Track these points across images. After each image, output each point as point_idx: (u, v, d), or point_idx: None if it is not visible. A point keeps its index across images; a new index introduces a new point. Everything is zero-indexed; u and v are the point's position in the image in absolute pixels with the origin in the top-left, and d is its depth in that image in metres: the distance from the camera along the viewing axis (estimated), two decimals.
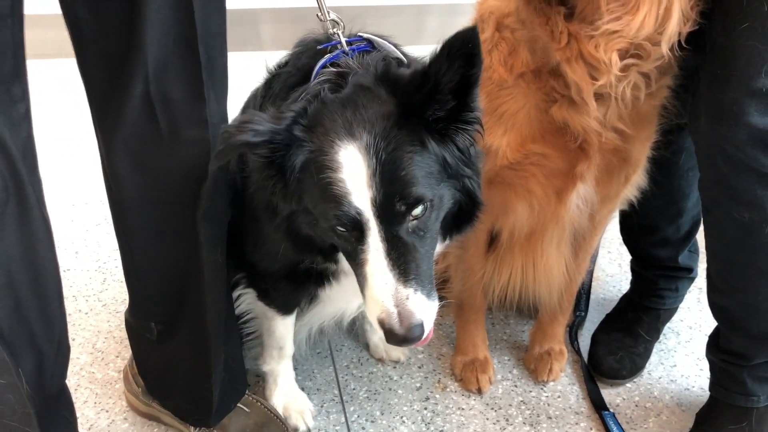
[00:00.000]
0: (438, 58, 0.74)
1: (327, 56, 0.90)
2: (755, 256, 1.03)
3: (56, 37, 0.86)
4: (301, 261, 0.97)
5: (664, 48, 0.94)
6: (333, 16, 0.93)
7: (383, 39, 0.95)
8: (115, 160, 0.85)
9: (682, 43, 0.96)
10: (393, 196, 0.74)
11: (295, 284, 1.04)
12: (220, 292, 1.01)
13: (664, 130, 1.12)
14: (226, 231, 0.98)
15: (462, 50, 0.74)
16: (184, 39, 0.78)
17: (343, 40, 0.91)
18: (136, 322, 1.06)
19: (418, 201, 0.76)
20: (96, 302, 1.46)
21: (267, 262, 1.02)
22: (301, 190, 0.79)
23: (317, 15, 0.92)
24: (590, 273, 1.45)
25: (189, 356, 1.03)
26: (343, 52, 0.90)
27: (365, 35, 0.94)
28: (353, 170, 0.74)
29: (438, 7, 2.85)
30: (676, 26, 0.92)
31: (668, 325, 1.43)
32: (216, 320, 1.00)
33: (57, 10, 0.78)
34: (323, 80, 0.84)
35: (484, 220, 1.05)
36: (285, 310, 1.11)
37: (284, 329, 1.15)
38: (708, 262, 1.13)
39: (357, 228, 0.76)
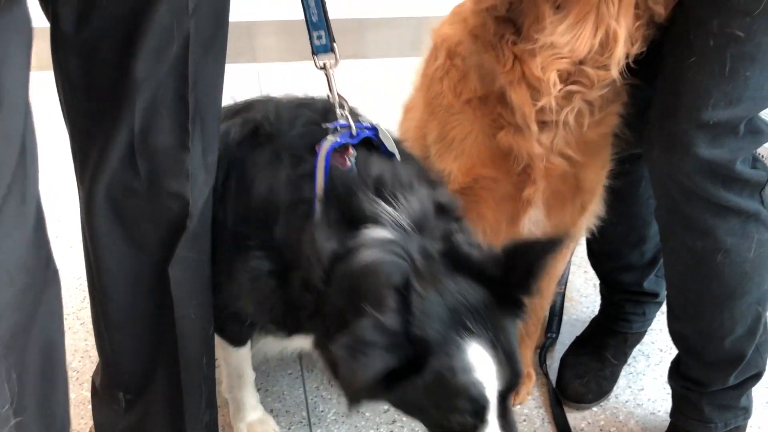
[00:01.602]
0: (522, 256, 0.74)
1: (331, 140, 0.86)
2: (709, 284, 1.03)
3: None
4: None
5: (614, 71, 0.95)
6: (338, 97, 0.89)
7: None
8: (93, 208, 0.83)
9: (631, 65, 0.97)
10: (511, 383, 0.74)
11: (245, 325, 1.02)
12: (197, 350, 0.96)
13: (621, 159, 1.12)
14: (207, 286, 0.95)
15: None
16: (174, 90, 0.76)
17: (353, 123, 0.88)
18: (103, 391, 1.00)
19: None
20: (74, 320, 1.49)
21: (220, 301, 0.99)
22: (421, 388, 0.73)
23: (327, 96, 0.89)
24: (562, 294, 1.45)
25: (160, 423, 0.98)
26: (350, 135, 0.87)
27: (373, 123, 0.91)
28: (485, 369, 0.72)
29: (437, 20, 2.86)
30: (623, 48, 0.93)
31: (638, 347, 1.42)
32: (191, 381, 0.96)
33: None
34: (389, 257, 0.74)
35: None
36: (236, 342, 1.11)
37: (240, 359, 1.15)
38: (667, 288, 1.13)
39: (477, 416, 0.74)
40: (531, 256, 0.74)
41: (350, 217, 0.78)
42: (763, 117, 0.97)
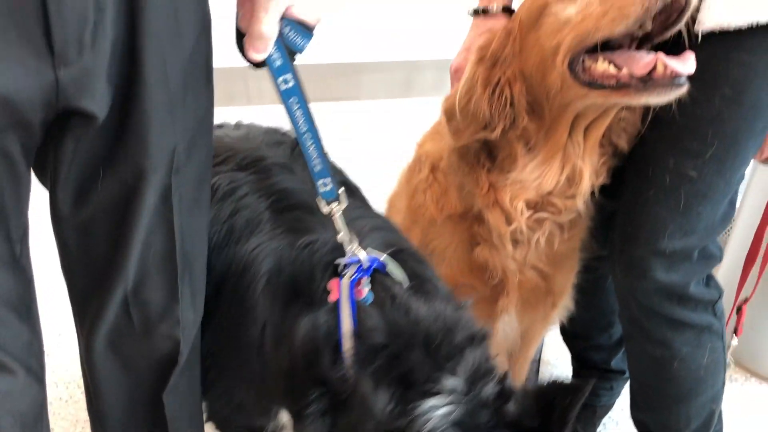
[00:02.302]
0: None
1: (348, 275, 0.87)
2: (667, 384, 1.13)
3: None
4: None
5: (579, 203, 1.04)
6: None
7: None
8: (92, 350, 0.88)
9: (595, 194, 1.07)
10: None
11: None
12: None
13: (588, 258, 1.22)
14: (199, 407, 1.01)
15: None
16: (163, 255, 0.82)
17: (363, 256, 0.88)
18: None
19: None
20: (76, 389, 1.57)
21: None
22: None
23: (338, 237, 0.88)
24: (536, 362, 1.55)
25: None
26: (361, 269, 0.87)
27: (383, 256, 0.90)
28: None
29: (429, 63, 2.94)
30: (588, 182, 1.03)
31: (609, 414, 1.52)
32: None
33: None
34: None
35: None
36: None
37: None
38: (630, 381, 1.23)
39: None
40: (562, 403, 0.77)
41: (403, 377, 0.79)
42: (716, 242, 1.07)
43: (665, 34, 0.88)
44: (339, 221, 0.86)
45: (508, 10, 1.08)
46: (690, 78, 0.89)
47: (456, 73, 1.10)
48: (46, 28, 0.59)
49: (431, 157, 1.17)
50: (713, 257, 1.06)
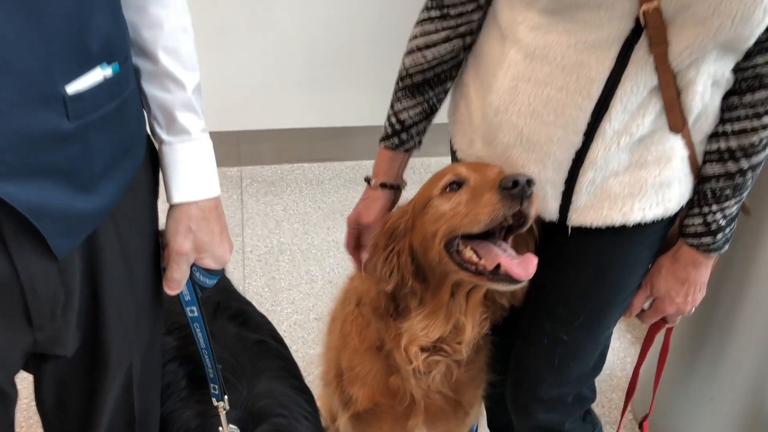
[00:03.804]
0: None
1: None
2: None
3: None
4: None
5: (464, 350, 1.22)
6: None
7: None
8: None
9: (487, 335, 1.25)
10: None
11: None
12: None
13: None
14: None
15: None
16: (126, 423, 1.01)
17: None
18: None
19: None
20: None
21: None
22: None
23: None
24: None
25: None
26: None
27: None
28: None
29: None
30: (471, 334, 1.21)
31: None
32: None
33: None
34: None
35: None
36: None
37: None
38: None
39: None
40: None
41: None
42: (591, 385, 1.25)
43: (522, 230, 1.06)
44: (223, 417, 1.07)
45: (389, 186, 1.26)
46: (565, 258, 1.08)
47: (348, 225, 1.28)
48: (25, 308, 0.79)
49: (357, 292, 1.36)
50: (586, 399, 1.25)
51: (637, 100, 0.95)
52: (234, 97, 2.85)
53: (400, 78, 1.17)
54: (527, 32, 0.98)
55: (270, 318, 2.20)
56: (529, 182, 0.98)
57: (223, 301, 1.28)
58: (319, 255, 2.54)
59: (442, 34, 1.12)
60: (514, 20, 1.00)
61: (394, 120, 1.19)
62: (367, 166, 3.17)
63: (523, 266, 1.02)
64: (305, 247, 2.58)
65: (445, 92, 1.19)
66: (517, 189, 0.97)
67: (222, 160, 3.28)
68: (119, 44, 0.81)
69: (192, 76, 0.89)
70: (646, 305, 1.23)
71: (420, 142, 1.22)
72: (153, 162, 0.93)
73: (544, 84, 0.97)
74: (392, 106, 1.20)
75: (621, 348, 2.22)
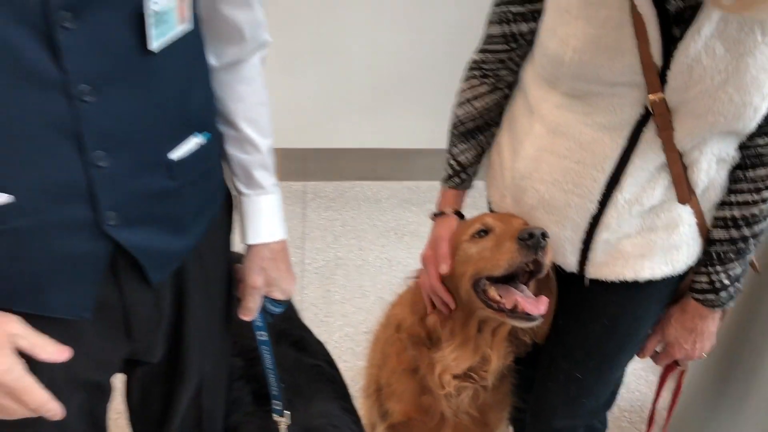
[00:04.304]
0: None
1: None
2: None
3: None
4: None
5: (490, 378, 1.37)
6: None
7: None
8: None
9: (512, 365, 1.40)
10: None
11: None
12: None
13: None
14: None
15: None
16: (195, 424, 1.19)
17: None
18: None
19: None
20: None
21: None
22: None
23: None
24: None
25: None
26: None
27: None
28: None
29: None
30: (496, 365, 1.35)
31: None
32: None
33: None
34: None
35: None
36: None
37: None
38: None
39: None
40: None
41: None
42: (603, 417, 1.38)
43: (539, 275, 1.20)
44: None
45: (458, 213, 1.41)
46: (582, 306, 1.22)
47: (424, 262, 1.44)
48: (127, 324, 0.97)
49: (397, 319, 1.52)
50: (597, 430, 1.36)
51: (646, 174, 1.09)
52: (302, 117, 3.07)
53: (455, 126, 1.34)
54: (551, 110, 1.13)
55: (323, 328, 2.41)
56: (544, 235, 1.12)
57: (286, 328, 1.46)
58: (372, 271, 2.72)
59: (485, 88, 1.29)
60: (540, 98, 1.15)
61: (453, 162, 1.36)
62: (422, 187, 3.34)
63: (536, 305, 1.17)
64: (360, 263, 2.77)
65: (493, 135, 1.35)
66: (532, 240, 1.12)
67: (287, 175, 3.53)
68: (210, 116, 1.00)
69: (267, 141, 1.08)
70: (659, 348, 1.36)
71: (473, 183, 1.38)
72: (228, 206, 1.13)
73: (564, 157, 1.12)
74: (450, 151, 1.36)
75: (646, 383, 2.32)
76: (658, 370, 1.97)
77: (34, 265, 0.84)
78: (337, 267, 2.74)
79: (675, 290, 1.27)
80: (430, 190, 3.26)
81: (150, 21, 0.80)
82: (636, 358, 1.36)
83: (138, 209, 0.89)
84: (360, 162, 3.30)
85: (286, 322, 1.50)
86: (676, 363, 1.38)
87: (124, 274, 0.92)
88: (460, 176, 1.36)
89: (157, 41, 0.82)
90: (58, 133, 0.78)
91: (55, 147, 0.78)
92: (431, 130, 3.16)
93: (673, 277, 1.21)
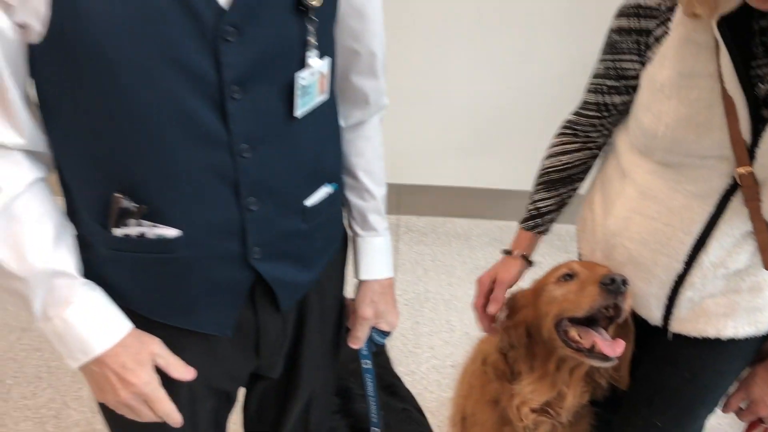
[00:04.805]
0: None
1: None
2: None
3: None
4: None
5: (564, 415, 1.45)
6: None
7: None
8: None
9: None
10: None
11: None
12: None
13: None
14: None
15: None
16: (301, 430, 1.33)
17: None
18: None
19: None
20: None
21: None
22: None
23: None
24: None
25: None
26: None
27: None
28: None
29: None
30: (571, 403, 1.44)
31: None
32: None
33: None
34: None
35: None
36: None
37: None
38: None
39: None
40: None
41: None
42: None
43: (618, 320, 1.29)
44: None
45: (525, 258, 1.52)
46: (665, 357, 1.31)
47: (477, 285, 1.55)
48: (257, 344, 1.12)
49: (483, 353, 1.63)
50: None
51: (732, 240, 1.16)
52: (400, 154, 3.25)
53: (540, 174, 1.46)
54: (643, 175, 1.22)
55: (410, 359, 2.54)
56: (624, 282, 1.21)
57: (380, 373, 1.60)
58: (460, 307, 2.83)
59: (575, 146, 1.41)
60: (633, 163, 1.25)
61: (532, 207, 1.48)
62: (512, 227, 3.41)
63: (612, 347, 1.25)
64: (448, 297, 2.88)
65: (574, 191, 1.46)
66: (614, 285, 1.22)
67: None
68: (338, 169, 1.17)
69: (381, 190, 1.23)
70: (743, 404, 1.40)
71: (549, 229, 1.49)
72: (344, 244, 1.28)
73: (653, 219, 1.21)
74: (532, 197, 1.48)
75: None
76: (742, 425, 1.99)
77: (192, 289, 1.02)
78: (426, 300, 2.87)
79: (759, 349, 1.32)
80: None
81: (297, 93, 0.97)
82: (719, 412, 1.41)
83: (277, 246, 1.05)
84: (453, 199, 3.44)
85: (380, 369, 1.66)
86: (760, 420, 1.42)
87: (260, 300, 1.09)
88: (536, 221, 1.47)
89: (300, 109, 0.99)
90: (222, 181, 0.96)
91: (219, 193, 0.96)
92: (523, 172, 3.26)
93: (756, 337, 1.27)
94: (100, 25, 0.80)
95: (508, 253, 1.53)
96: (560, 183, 1.44)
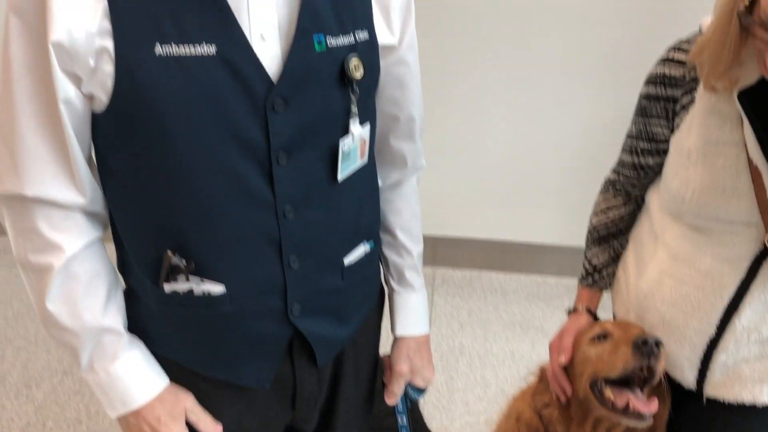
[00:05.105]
0: None
1: None
2: None
3: None
4: None
5: None
6: None
7: None
8: None
9: None
10: None
11: None
12: None
13: None
14: None
15: None
16: None
17: None
18: None
19: None
20: None
21: None
22: None
23: None
24: None
25: None
26: None
27: None
28: None
29: None
30: None
31: None
32: None
33: None
34: None
35: None
36: None
37: None
38: None
39: None
40: None
41: None
42: None
43: (652, 381, 1.28)
44: None
45: (591, 312, 1.52)
46: (700, 421, 1.30)
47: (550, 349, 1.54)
48: (293, 397, 1.14)
49: (518, 410, 1.63)
50: None
51: (765, 305, 1.16)
52: (437, 206, 3.29)
53: (590, 232, 1.49)
54: (674, 238, 1.24)
55: (444, 414, 2.53)
56: (657, 343, 1.22)
57: (414, 430, 1.60)
58: (495, 362, 2.82)
59: (618, 201, 1.43)
60: (664, 226, 1.27)
61: (587, 264, 1.50)
62: (550, 282, 3.42)
63: (647, 406, 1.25)
64: (483, 353, 2.87)
65: (627, 240, 1.47)
66: (646, 347, 1.22)
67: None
68: (376, 228, 1.21)
69: (418, 247, 1.27)
70: None
71: (611, 283, 1.50)
72: (381, 300, 1.32)
73: (685, 282, 1.22)
74: (585, 254, 1.51)
75: None
76: None
77: (233, 343, 1.06)
78: (461, 354, 2.86)
79: None
80: (557, 286, 3.34)
81: (340, 158, 1.03)
82: None
83: (316, 303, 1.09)
84: (489, 252, 3.45)
85: (414, 425, 1.66)
86: None
87: (297, 355, 1.13)
88: (593, 277, 1.48)
89: (342, 174, 1.05)
90: (266, 240, 1.01)
91: (262, 251, 1.01)
92: (561, 227, 3.29)
93: None
94: (160, 98, 0.87)
95: (572, 311, 1.54)
96: (610, 237, 1.46)
